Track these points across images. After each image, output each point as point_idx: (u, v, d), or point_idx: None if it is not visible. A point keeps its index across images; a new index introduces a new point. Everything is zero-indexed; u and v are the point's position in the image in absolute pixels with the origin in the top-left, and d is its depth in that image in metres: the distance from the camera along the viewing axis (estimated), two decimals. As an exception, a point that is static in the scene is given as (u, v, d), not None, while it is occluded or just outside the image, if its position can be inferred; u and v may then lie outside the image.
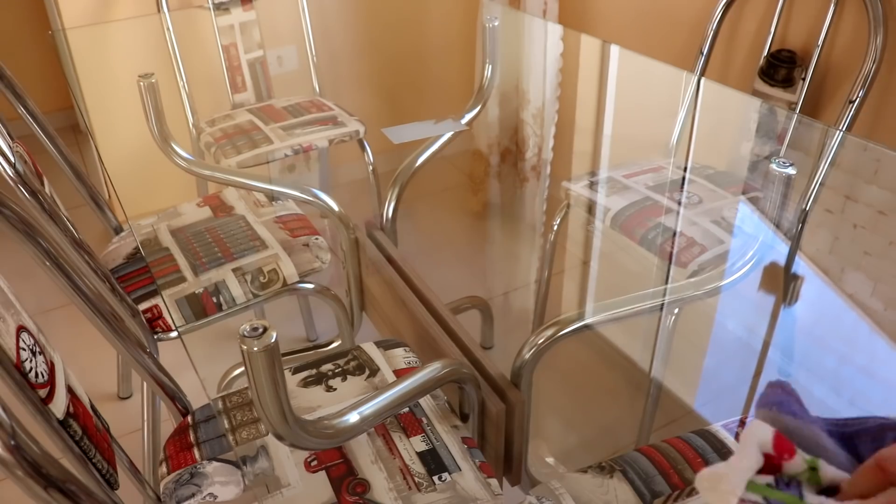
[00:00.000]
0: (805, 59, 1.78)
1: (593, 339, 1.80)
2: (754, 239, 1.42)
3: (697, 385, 1.59)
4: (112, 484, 0.84)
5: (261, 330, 0.67)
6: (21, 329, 0.78)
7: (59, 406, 0.78)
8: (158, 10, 2.24)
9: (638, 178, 1.66)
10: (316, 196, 1.45)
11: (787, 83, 1.79)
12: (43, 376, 0.77)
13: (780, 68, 1.80)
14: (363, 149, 2.06)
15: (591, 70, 2.13)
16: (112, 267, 1.46)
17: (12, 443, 0.61)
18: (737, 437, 0.96)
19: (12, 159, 1.16)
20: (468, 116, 1.65)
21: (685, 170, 1.73)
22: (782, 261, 1.37)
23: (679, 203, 1.54)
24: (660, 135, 1.86)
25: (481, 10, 2.48)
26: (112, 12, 2.30)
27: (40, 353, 0.79)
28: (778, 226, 1.40)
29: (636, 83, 2.00)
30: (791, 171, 1.25)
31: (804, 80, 1.76)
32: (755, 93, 1.83)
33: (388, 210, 1.40)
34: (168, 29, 2.16)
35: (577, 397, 1.66)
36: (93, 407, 0.90)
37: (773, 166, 1.26)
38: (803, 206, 1.48)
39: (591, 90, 2.12)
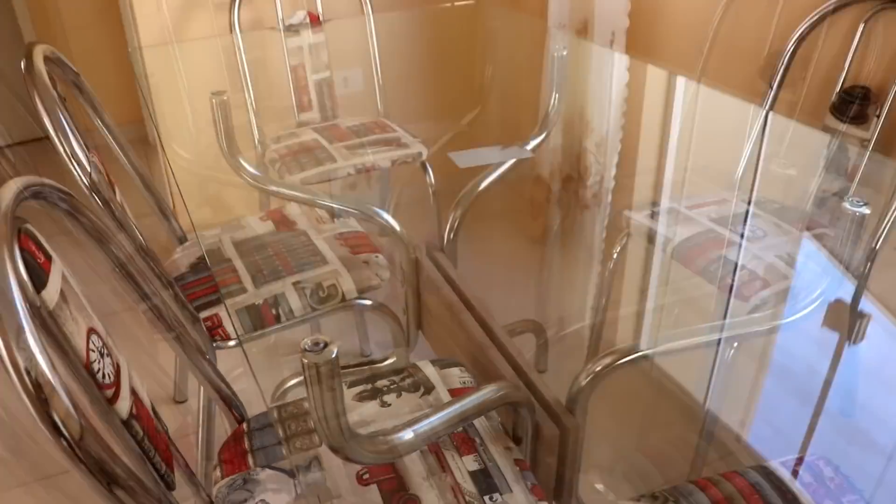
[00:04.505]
0: (880, 96, 1.74)
1: (647, 368, 1.78)
2: (820, 276, 1.39)
3: (752, 420, 1.55)
4: (169, 485, 0.86)
5: (322, 345, 0.67)
6: (91, 331, 0.80)
7: (123, 407, 0.80)
8: (231, 31, 2.31)
9: (701, 209, 1.64)
10: (377, 215, 1.46)
11: (860, 120, 1.75)
12: (110, 377, 0.79)
13: (852, 105, 1.77)
14: (425, 171, 2.08)
15: (657, 100, 2.11)
16: (175, 275, 1.49)
17: (80, 440, 0.62)
18: (794, 474, 0.94)
19: (88, 169, 1.20)
20: (533, 143, 1.65)
21: (749, 203, 1.70)
22: (848, 298, 1.33)
23: (742, 236, 1.52)
24: (725, 167, 1.84)
25: (549, 39, 2.49)
26: (187, 32, 2.37)
27: (108, 355, 0.82)
28: (845, 264, 1.37)
29: (702, 114, 1.98)
30: (865, 210, 1.22)
31: (878, 116, 1.73)
32: (826, 129, 1.80)
33: (449, 231, 1.41)
34: (239, 48, 2.21)
35: (629, 425, 1.64)
36: (154, 410, 0.92)
37: (847, 205, 1.23)
38: (873, 245, 1.44)
39: (656, 120, 2.11)
